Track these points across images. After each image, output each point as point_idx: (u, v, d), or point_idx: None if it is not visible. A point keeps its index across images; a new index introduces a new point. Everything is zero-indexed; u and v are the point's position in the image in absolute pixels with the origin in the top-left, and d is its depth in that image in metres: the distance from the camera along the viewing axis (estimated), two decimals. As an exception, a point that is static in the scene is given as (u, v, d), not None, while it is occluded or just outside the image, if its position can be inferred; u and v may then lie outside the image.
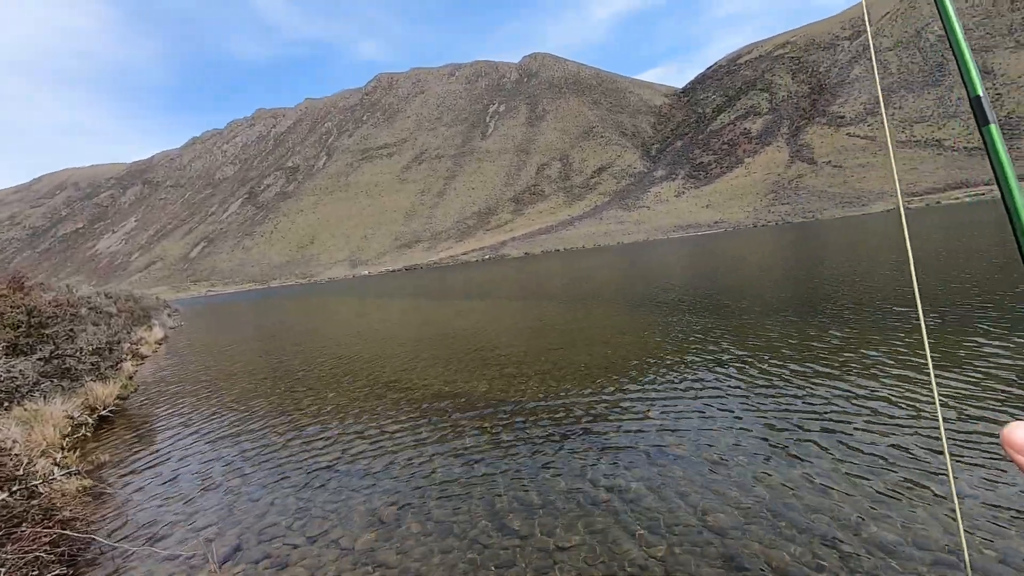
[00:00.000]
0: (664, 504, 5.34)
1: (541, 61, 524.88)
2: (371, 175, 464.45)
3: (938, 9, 0.67)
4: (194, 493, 7.23)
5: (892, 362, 8.88)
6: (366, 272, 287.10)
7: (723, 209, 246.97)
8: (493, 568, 4.64)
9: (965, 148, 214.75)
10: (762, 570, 4.17)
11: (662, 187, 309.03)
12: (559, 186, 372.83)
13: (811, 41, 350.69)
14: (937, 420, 6.44)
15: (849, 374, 8.59)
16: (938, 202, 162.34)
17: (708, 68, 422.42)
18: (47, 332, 11.41)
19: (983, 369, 7.94)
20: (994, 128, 0.62)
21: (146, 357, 23.27)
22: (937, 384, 7.45)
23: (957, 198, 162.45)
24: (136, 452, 9.45)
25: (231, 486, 7.34)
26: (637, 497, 5.55)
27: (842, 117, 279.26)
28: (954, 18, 0.66)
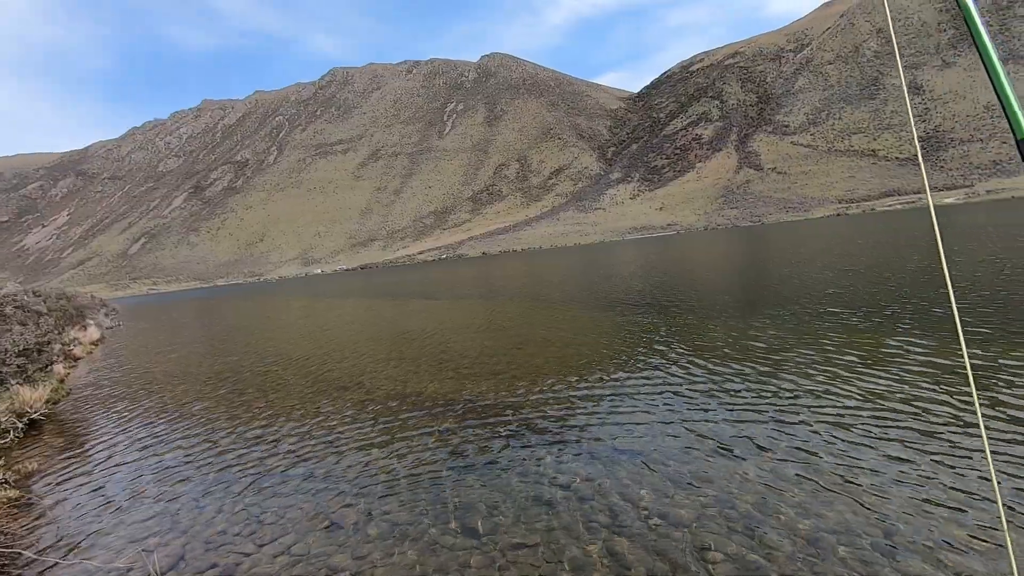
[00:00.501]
0: (611, 501, 5.45)
1: (500, 61, 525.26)
2: (325, 172, 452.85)
3: (983, 61, 0.63)
4: (133, 502, 6.88)
5: (822, 360, 9.35)
6: (319, 271, 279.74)
7: (676, 212, 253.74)
8: (449, 567, 4.62)
9: (897, 159, 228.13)
10: (704, 564, 4.31)
11: (618, 189, 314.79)
12: (517, 187, 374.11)
13: (758, 52, 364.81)
14: (867, 414, 6.82)
15: (786, 372, 8.99)
16: (873, 208, 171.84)
17: (662, 74, 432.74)
18: (-33, 333, 10.57)
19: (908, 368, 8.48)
20: None
21: (80, 359, 21.93)
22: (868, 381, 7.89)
23: (890, 205, 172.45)
24: (68, 460, 8.90)
25: (174, 493, 7.02)
26: (586, 494, 5.63)
27: (787, 126, 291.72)
28: (1002, 73, 0.65)
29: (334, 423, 9.17)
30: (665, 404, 8.18)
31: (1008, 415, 6.26)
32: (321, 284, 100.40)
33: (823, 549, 4.29)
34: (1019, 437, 5.69)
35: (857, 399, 7.39)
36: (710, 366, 9.95)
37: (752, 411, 7.44)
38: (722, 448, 6.38)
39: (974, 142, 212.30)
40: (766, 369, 9.32)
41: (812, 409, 7.23)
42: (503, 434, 7.68)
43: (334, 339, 20.56)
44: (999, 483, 4.88)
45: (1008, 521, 4.24)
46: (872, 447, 5.93)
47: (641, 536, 4.78)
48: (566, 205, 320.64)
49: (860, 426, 6.52)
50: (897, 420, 6.55)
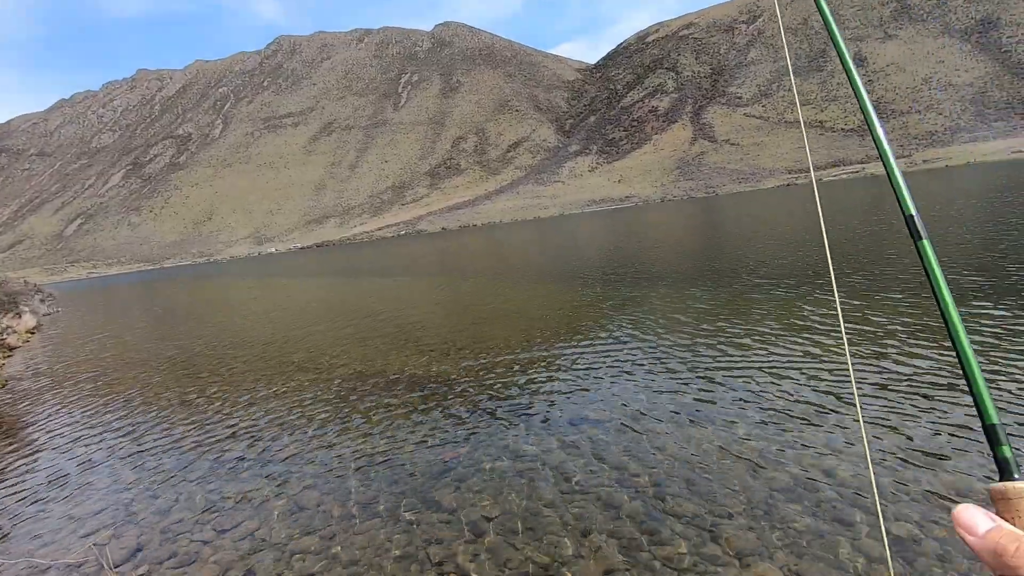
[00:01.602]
0: (583, 467, 5.55)
1: (455, 30, 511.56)
2: (275, 146, 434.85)
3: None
4: (81, 496, 6.58)
5: (779, 325, 9.72)
6: (273, 250, 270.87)
7: (633, 184, 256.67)
8: (422, 544, 4.62)
9: (842, 130, 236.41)
10: (674, 522, 4.46)
11: (576, 162, 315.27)
12: (475, 160, 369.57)
13: (712, 23, 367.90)
14: (847, 373, 7.15)
15: (745, 336, 9.30)
16: (820, 179, 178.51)
17: (619, 45, 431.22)
18: None
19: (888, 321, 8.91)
20: (927, 243, 0.63)
21: (15, 348, 20.69)
22: (848, 340, 8.26)
23: (836, 175, 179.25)
24: (6, 455, 8.42)
25: (125, 483, 6.76)
26: (557, 462, 5.72)
27: (740, 98, 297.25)
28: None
29: (292, 405, 8.98)
30: (633, 372, 8.35)
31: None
32: (275, 264, 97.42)
33: (799, 498, 4.50)
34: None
35: (763, 362, 7.72)
36: (673, 334, 10.19)
37: (718, 376, 7.67)
38: (689, 409, 6.57)
39: (912, 113, 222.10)
40: (701, 340, 9.61)
41: (777, 372, 7.52)
42: (474, 409, 7.69)
43: (290, 320, 20.04)
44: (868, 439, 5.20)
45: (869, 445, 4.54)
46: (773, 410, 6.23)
47: (615, 500, 4.89)
48: (525, 178, 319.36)
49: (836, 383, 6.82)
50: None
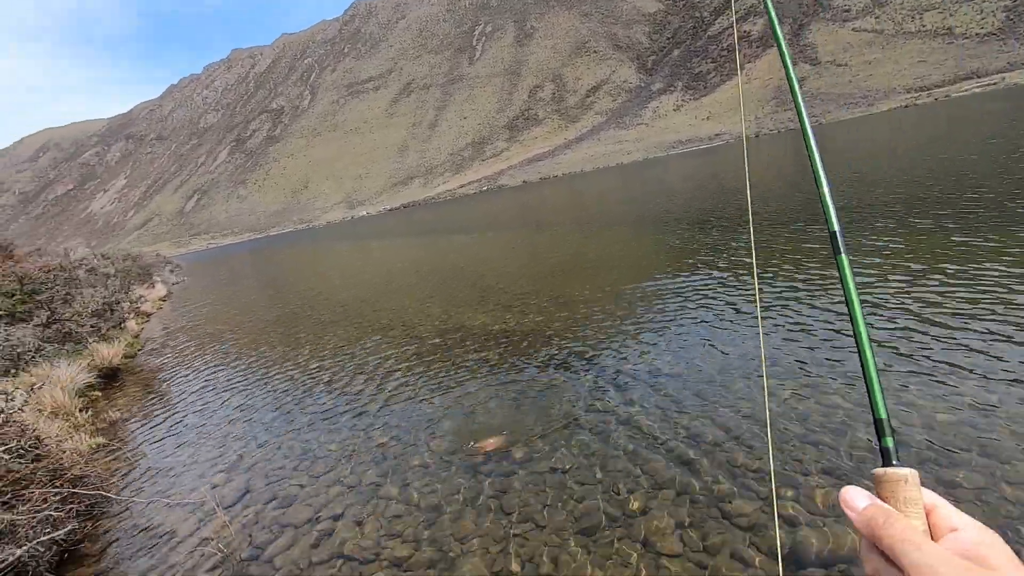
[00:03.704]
0: (658, 423, 5.41)
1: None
2: (359, 111, 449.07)
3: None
4: (202, 443, 7.44)
5: (878, 272, 8.75)
6: (364, 213, 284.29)
7: (724, 120, 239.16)
8: (495, 493, 4.77)
9: (977, 35, 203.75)
10: (748, 478, 4.25)
11: (660, 101, 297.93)
12: (553, 109, 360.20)
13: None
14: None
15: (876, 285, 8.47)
16: (947, 96, 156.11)
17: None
18: (40, 298, 11.41)
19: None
20: (845, 258, 0.68)
21: (151, 315, 23.49)
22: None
23: (967, 89, 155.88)
24: (145, 408, 9.68)
25: (238, 433, 7.54)
26: (630, 417, 5.62)
27: (848, 11, 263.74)
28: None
29: (380, 361, 9.48)
30: (719, 326, 7.96)
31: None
32: (366, 226, 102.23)
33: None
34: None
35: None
36: (769, 284, 9.54)
37: (809, 332, 7.12)
38: (775, 367, 6.18)
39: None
40: (818, 288, 8.84)
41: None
42: (553, 363, 7.72)
43: (378, 280, 21.04)
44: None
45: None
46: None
47: (688, 457, 4.75)
48: (606, 124, 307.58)
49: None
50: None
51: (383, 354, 9.88)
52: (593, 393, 6.39)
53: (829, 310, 7.45)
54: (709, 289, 9.68)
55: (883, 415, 0.62)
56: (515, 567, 3.84)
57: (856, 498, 0.58)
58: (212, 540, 4.82)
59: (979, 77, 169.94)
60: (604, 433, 5.41)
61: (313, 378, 9.36)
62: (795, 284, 8.88)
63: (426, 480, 5.22)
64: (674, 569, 3.54)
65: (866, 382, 0.63)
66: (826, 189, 0.68)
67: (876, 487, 0.59)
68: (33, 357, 9.61)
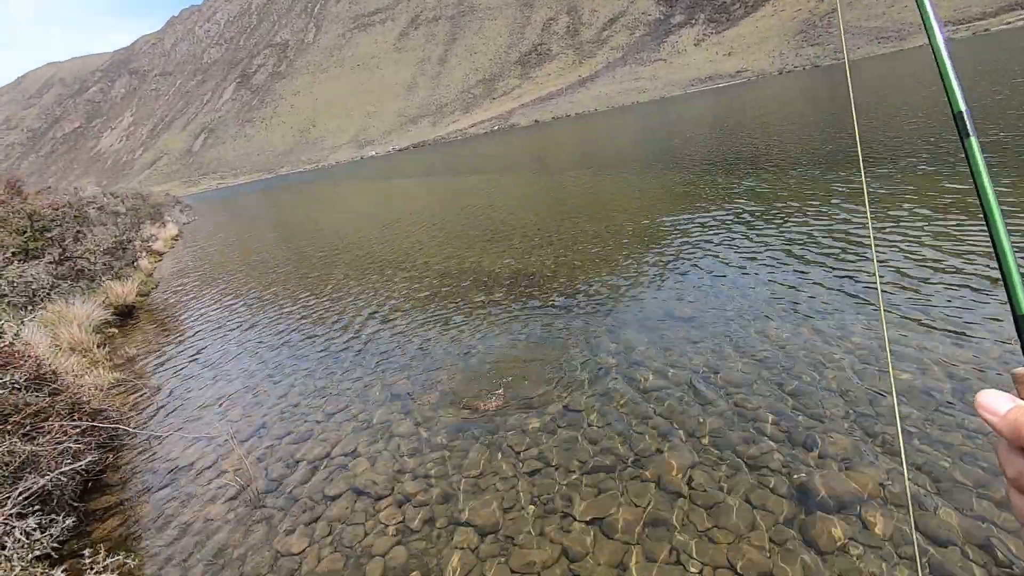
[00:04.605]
0: (670, 363, 5.35)
1: None
2: (366, 46, 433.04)
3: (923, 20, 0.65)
4: (217, 379, 7.55)
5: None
6: (373, 153, 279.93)
7: (746, 56, 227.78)
8: (507, 435, 4.79)
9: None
10: (761, 424, 4.20)
11: (680, 35, 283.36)
12: (568, 43, 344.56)
13: None
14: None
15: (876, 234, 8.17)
16: (987, 30, 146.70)
17: None
18: (51, 235, 11.40)
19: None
20: (974, 141, 0.64)
21: (163, 254, 23.62)
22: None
23: (1008, 22, 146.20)
24: (161, 344, 9.82)
25: (252, 370, 7.63)
26: (643, 359, 5.56)
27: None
28: (938, 33, 0.65)
29: (391, 302, 9.46)
30: (727, 268, 7.76)
31: None
32: (375, 166, 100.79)
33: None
34: None
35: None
36: (777, 229, 9.25)
37: (817, 273, 6.91)
38: (785, 309, 6.03)
39: None
40: (846, 233, 8.53)
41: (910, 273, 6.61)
42: (564, 305, 7.63)
43: (388, 220, 20.83)
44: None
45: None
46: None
47: (704, 397, 4.71)
48: (622, 60, 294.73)
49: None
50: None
51: (392, 295, 9.85)
52: (617, 333, 6.31)
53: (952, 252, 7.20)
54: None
55: None
56: (528, 505, 3.87)
57: (997, 401, 0.52)
58: (229, 473, 4.93)
59: (1023, 8, 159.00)
60: (633, 381, 5.36)
61: (324, 317, 9.39)
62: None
63: (438, 421, 5.24)
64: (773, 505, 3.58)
65: (1002, 274, 0.58)
66: (949, 66, 0.63)
67: (1018, 387, 0.54)
68: (48, 294, 9.69)
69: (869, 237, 7.76)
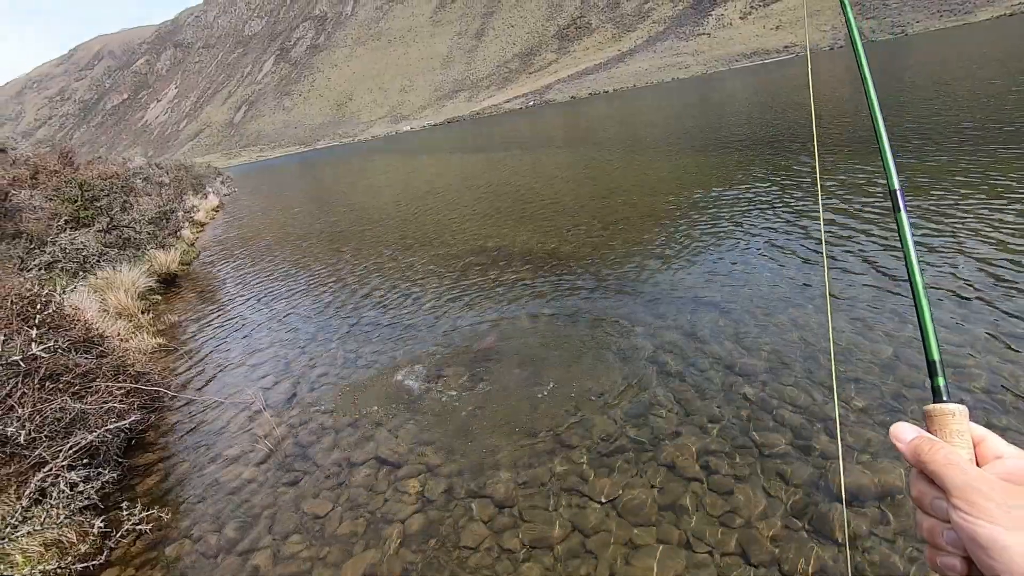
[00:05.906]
0: (699, 349, 5.31)
1: None
2: (403, 19, 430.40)
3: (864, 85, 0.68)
4: (253, 347, 7.85)
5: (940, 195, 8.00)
6: (408, 128, 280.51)
7: (795, 30, 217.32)
8: (529, 411, 4.86)
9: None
10: (782, 409, 4.15)
11: (725, 8, 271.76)
12: (608, 16, 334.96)
13: None
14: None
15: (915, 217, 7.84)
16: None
17: None
18: (100, 204, 11.91)
19: None
20: (904, 215, 0.69)
21: (205, 224, 24.39)
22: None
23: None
24: (201, 312, 10.24)
25: (287, 339, 7.90)
26: (671, 343, 5.53)
27: None
28: (876, 106, 0.68)
29: (419, 277, 9.60)
30: (761, 254, 7.59)
31: None
32: (409, 141, 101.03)
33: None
34: None
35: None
36: (813, 213, 8.95)
37: (853, 260, 6.69)
38: (820, 298, 5.89)
39: None
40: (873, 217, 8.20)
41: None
42: (593, 287, 7.61)
43: (421, 197, 20.96)
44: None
45: None
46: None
47: (726, 383, 4.68)
48: (664, 34, 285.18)
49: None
50: None
51: (426, 270, 9.98)
52: (652, 311, 6.28)
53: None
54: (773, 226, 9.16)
55: (935, 356, 0.65)
56: (544, 478, 3.95)
57: (904, 431, 0.61)
58: (261, 438, 5.17)
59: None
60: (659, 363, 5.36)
61: (356, 290, 9.61)
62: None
63: (465, 396, 5.35)
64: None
65: (920, 326, 0.66)
66: (887, 145, 0.68)
67: (926, 423, 0.62)
68: (97, 261, 10.18)
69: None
